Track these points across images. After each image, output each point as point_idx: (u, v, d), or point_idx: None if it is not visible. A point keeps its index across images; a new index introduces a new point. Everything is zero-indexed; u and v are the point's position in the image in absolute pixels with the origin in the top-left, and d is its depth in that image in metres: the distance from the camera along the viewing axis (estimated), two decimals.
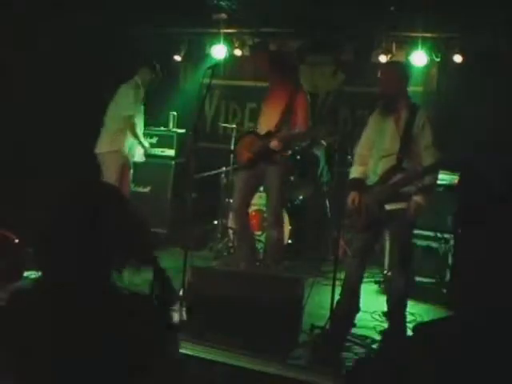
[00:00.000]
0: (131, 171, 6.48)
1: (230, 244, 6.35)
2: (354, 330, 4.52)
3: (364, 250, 4.48)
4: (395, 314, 4.45)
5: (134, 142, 6.40)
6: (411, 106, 4.38)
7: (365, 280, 5.01)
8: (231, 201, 6.17)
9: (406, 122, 4.31)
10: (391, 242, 4.52)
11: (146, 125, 7.18)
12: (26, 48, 5.89)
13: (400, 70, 4.54)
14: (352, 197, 4.41)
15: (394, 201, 4.28)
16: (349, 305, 4.56)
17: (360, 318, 4.70)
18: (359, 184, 4.42)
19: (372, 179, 4.41)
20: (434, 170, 4.28)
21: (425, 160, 4.26)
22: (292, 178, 6.86)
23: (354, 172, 4.50)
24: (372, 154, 4.43)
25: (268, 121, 5.43)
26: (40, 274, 1.65)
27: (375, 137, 4.42)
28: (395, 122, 4.33)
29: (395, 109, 4.34)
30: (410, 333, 4.22)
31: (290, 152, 5.60)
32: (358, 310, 4.65)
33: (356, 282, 4.57)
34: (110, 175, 6.04)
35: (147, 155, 6.69)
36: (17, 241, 5.09)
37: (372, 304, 4.96)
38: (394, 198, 4.27)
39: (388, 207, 4.31)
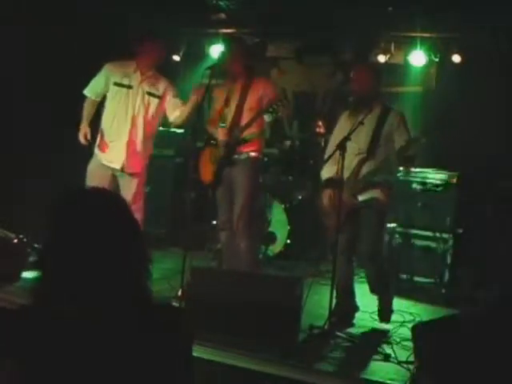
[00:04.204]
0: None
1: None
2: (352, 330, 4.54)
3: (348, 246, 4.60)
4: (382, 292, 4.67)
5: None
6: (383, 107, 4.61)
7: (363, 280, 5.05)
8: None
9: (377, 121, 4.52)
10: (362, 230, 4.57)
11: None
12: (27, 48, 5.90)
13: (372, 72, 4.71)
14: (327, 194, 4.61)
15: (366, 190, 4.51)
16: (346, 304, 4.64)
17: (358, 317, 4.73)
18: (333, 183, 4.56)
19: (346, 176, 4.53)
20: (401, 151, 4.42)
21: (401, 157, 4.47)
22: (291, 178, 6.89)
23: (327, 172, 4.66)
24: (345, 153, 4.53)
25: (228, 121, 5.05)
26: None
27: (345, 139, 4.47)
28: (368, 121, 4.48)
29: (368, 109, 4.51)
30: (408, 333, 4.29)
31: (259, 154, 5.09)
32: (356, 308, 4.72)
33: (348, 280, 4.70)
34: None
35: None
36: (16, 241, 5.10)
37: (370, 304, 4.96)
38: (366, 188, 4.50)
39: (361, 198, 4.52)
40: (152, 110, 5.12)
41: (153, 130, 5.24)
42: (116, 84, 5.13)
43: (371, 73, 4.68)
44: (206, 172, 5.09)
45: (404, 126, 4.56)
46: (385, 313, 4.66)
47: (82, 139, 5.21)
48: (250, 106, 4.95)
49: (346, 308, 4.67)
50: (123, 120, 5.09)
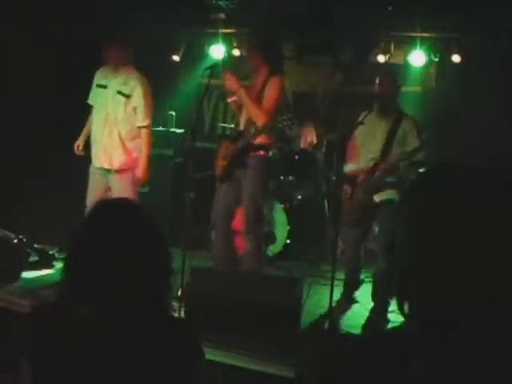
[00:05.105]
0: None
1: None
2: (353, 330, 4.54)
3: (358, 237, 4.89)
4: (379, 296, 4.76)
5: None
6: (399, 112, 4.81)
7: (365, 280, 5.11)
8: None
9: (391, 126, 4.72)
10: (379, 228, 4.82)
11: None
12: (27, 49, 5.90)
13: (397, 75, 5.01)
14: (344, 189, 4.85)
15: (381, 190, 4.72)
16: (354, 281, 5.04)
17: (359, 318, 4.73)
18: (351, 179, 4.83)
19: (361, 177, 4.84)
20: (410, 156, 4.62)
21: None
22: (291, 178, 6.88)
23: (347, 168, 4.90)
24: (362, 154, 4.81)
25: (243, 119, 4.93)
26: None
27: (366, 137, 4.76)
28: (385, 125, 4.73)
29: (388, 113, 4.74)
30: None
31: (269, 153, 4.90)
32: (361, 281, 5.12)
33: (358, 262, 5.00)
34: None
35: None
36: (16, 241, 5.10)
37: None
38: (381, 188, 4.72)
39: (377, 199, 4.73)
40: (121, 109, 5.15)
41: (130, 129, 5.21)
42: (97, 86, 5.26)
43: (396, 76, 4.96)
44: (219, 167, 5.01)
45: (417, 133, 4.71)
46: (378, 319, 4.70)
47: (75, 150, 5.36)
48: None
49: (354, 282, 5.03)
50: (100, 120, 5.19)
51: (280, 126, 4.65)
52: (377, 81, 4.81)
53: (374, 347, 1.15)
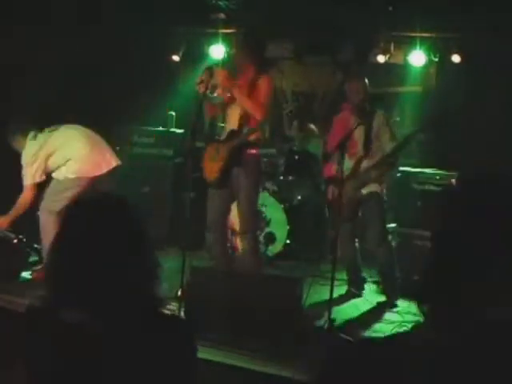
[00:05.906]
0: None
1: (228, 244, 6.33)
2: (353, 328, 4.54)
3: (352, 232, 5.18)
4: (388, 280, 5.14)
5: None
6: (369, 112, 5.12)
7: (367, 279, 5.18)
8: None
9: (367, 123, 5.04)
10: (369, 220, 5.07)
11: (143, 124, 7.20)
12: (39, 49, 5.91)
13: (363, 81, 5.13)
14: (330, 191, 5.15)
15: (367, 184, 5.04)
16: (357, 277, 5.32)
17: (359, 317, 4.73)
18: (335, 179, 4.97)
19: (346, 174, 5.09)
20: (392, 154, 5.01)
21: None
22: (291, 178, 6.88)
23: (347, 165, 5.02)
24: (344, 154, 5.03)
25: (232, 119, 4.83)
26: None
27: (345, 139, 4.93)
28: (361, 126, 4.99)
29: (363, 113, 5.04)
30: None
31: (258, 153, 4.85)
32: (365, 280, 5.42)
33: (356, 258, 5.26)
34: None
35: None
36: (16, 241, 5.11)
37: (373, 304, 4.98)
38: (367, 182, 5.03)
39: (364, 191, 5.05)
40: None
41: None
42: None
43: (365, 83, 5.10)
44: (212, 169, 4.89)
45: (388, 125, 5.14)
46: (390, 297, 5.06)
47: None
48: None
49: (357, 280, 5.31)
50: None
51: (285, 113, 4.69)
52: (349, 87, 5.10)
53: (392, 348, 1.15)
